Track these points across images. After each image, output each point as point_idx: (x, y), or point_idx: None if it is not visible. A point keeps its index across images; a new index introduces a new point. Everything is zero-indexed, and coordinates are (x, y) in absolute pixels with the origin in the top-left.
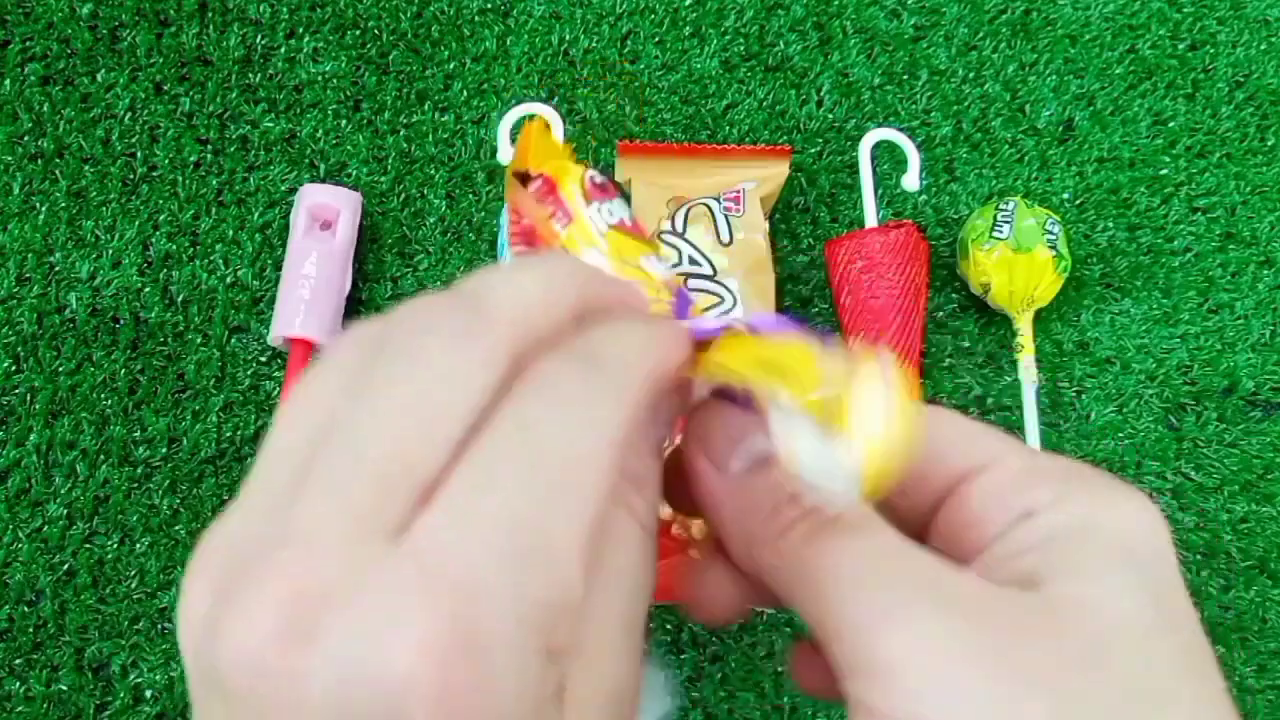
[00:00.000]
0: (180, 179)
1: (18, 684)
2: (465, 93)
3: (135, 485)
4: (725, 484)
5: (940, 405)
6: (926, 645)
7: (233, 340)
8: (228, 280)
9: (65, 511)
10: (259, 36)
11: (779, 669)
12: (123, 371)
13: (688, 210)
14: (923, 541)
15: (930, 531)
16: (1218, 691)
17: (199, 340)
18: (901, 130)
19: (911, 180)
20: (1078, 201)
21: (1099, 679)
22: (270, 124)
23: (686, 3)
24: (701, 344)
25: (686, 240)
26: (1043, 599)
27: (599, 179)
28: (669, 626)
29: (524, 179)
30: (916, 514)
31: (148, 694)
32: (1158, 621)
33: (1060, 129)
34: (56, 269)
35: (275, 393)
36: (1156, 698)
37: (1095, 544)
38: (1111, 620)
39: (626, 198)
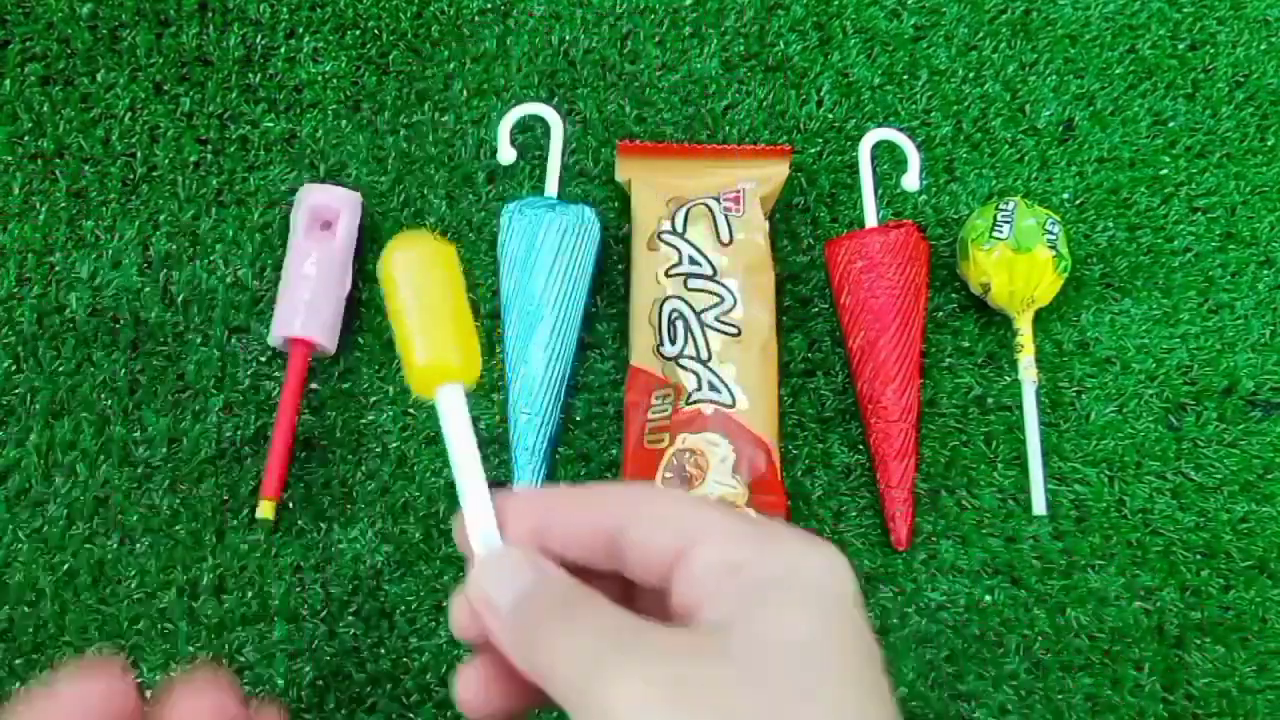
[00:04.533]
0: (180, 179)
1: (18, 684)
2: (465, 93)
3: (135, 485)
4: (498, 622)
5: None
6: (630, 691)
7: (233, 340)
8: (228, 280)
9: (65, 511)
10: (259, 36)
11: None
12: (123, 371)
13: (688, 210)
14: (665, 615)
15: (670, 603)
16: (873, 695)
17: (199, 340)
18: (901, 130)
19: (911, 180)
20: (1078, 201)
21: (761, 692)
22: (270, 124)
23: (686, 3)
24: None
25: (686, 240)
26: (728, 637)
27: None
28: None
29: None
30: (652, 589)
31: (148, 694)
32: (826, 644)
33: (1060, 129)
34: (56, 269)
35: (275, 393)
36: (811, 701)
37: (781, 589)
38: (781, 644)
39: (626, 199)
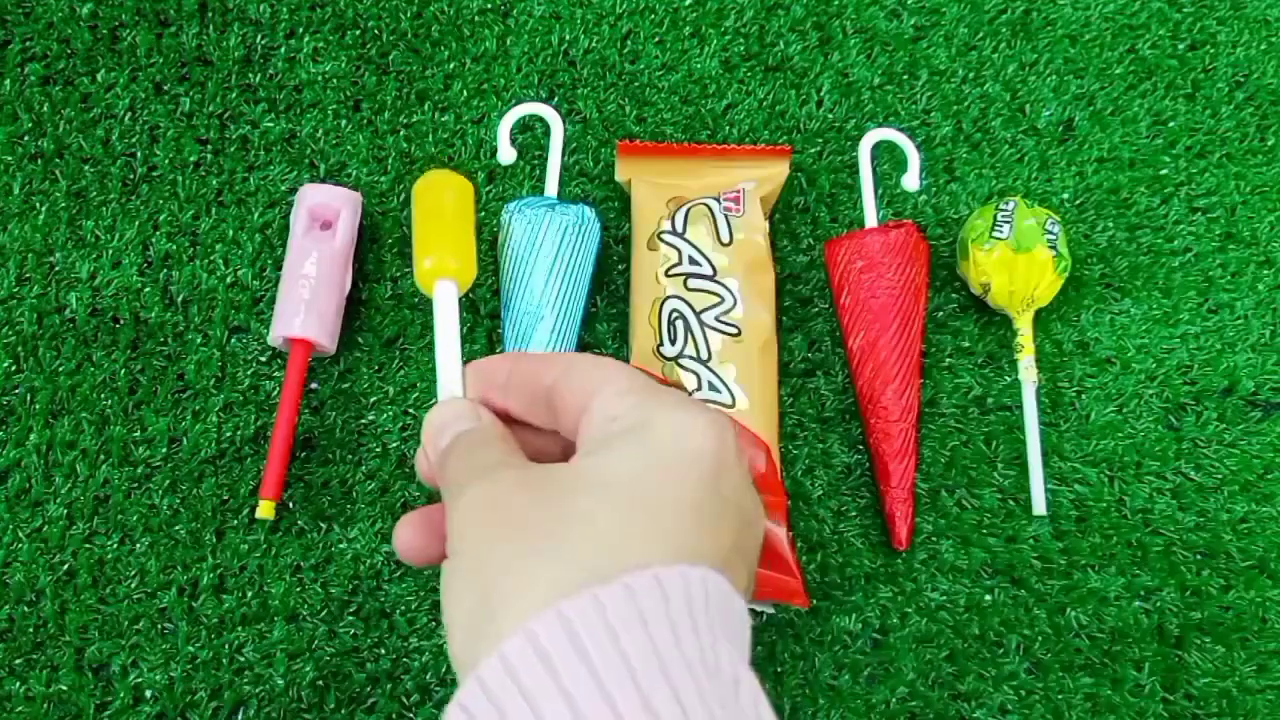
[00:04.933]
0: (180, 179)
1: (18, 684)
2: (465, 93)
3: (135, 485)
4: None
5: (943, 411)
6: (462, 505)
7: (233, 340)
8: (228, 280)
9: (65, 511)
10: (259, 36)
11: (779, 669)
12: (123, 371)
13: (688, 210)
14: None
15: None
16: (681, 539)
17: (199, 340)
18: (901, 130)
19: (911, 180)
20: (1078, 201)
21: (548, 512)
22: (270, 124)
23: (686, 3)
24: None
25: (686, 240)
26: (560, 471)
27: None
28: None
29: None
30: (571, 434)
31: (148, 694)
32: (642, 485)
33: (1060, 129)
34: (56, 269)
35: (275, 393)
36: (588, 523)
37: (630, 437)
38: (595, 480)
39: (626, 199)
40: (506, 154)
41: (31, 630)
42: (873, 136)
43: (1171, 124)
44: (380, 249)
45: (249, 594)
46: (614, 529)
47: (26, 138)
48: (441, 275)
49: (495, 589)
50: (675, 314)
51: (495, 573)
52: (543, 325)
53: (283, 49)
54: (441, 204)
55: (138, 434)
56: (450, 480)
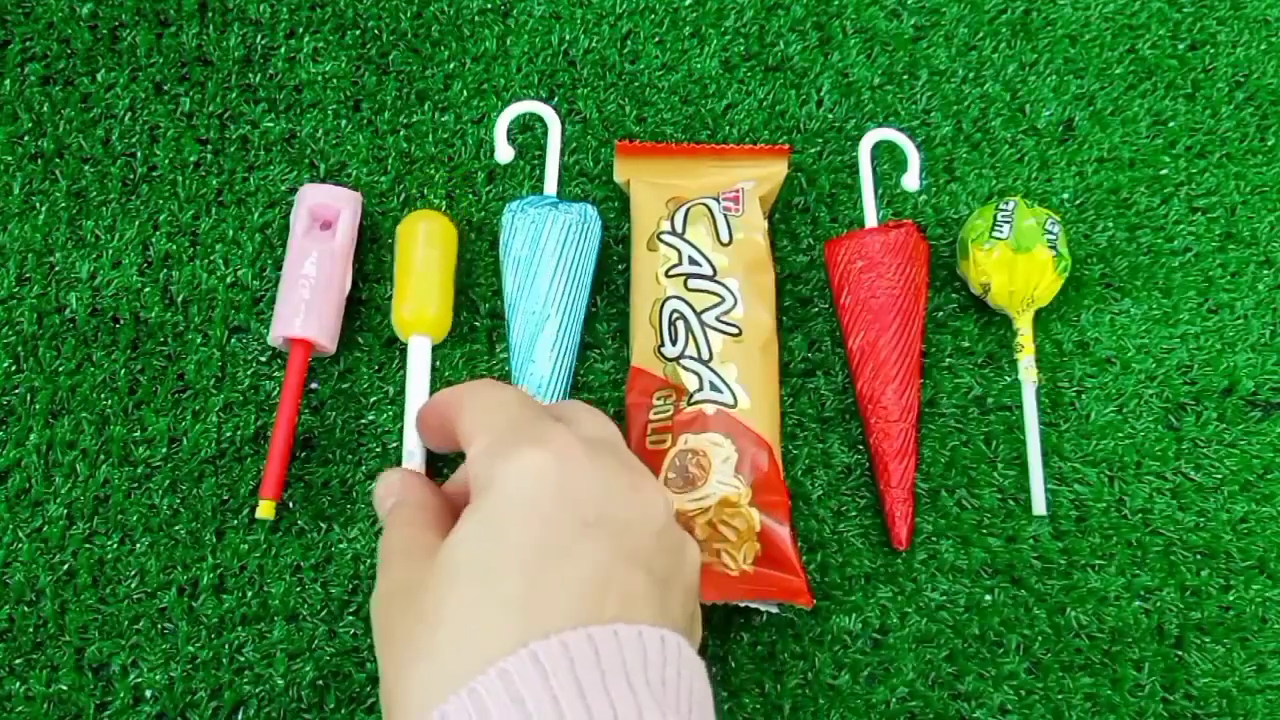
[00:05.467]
0: (180, 179)
1: (18, 684)
2: (465, 93)
3: (135, 485)
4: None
5: (943, 409)
6: (376, 609)
7: (233, 340)
8: (228, 280)
9: (65, 511)
10: (259, 36)
11: (779, 669)
12: (123, 371)
13: (687, 210)
14: None
15: None
16: (513, 603)
17: (199, 340)
18: (901, 130)
19: (911, 180)
20: (1078, 201)
21: (420, 619)
22: (270, 124)
23: (686, 3)
24: None
25: (686, 240)
26: (435, 557)
27: None
28: None
29: None
30: None
31: (148, 694)
32: (476, 558)
33: (1060, 129)
34: (56, 269)
35: (275, 393)
36: (446, 622)
37: (475, 504)
38: (443, 566)
39: (625, 200)
40: (504, 153)
41: (31, 630)
42: (873, 136)
43: (1171, 124)
44: (380, 249)
45: (249, 594)
46: (466, 623)
47: (26, 138)
48: (416, 331)
49: (390, 695)
50: (676, 314)
51: (389, 681)
52: (549, 325)
53: (283, 49)
54: (419, 253)
55: (138, 434)
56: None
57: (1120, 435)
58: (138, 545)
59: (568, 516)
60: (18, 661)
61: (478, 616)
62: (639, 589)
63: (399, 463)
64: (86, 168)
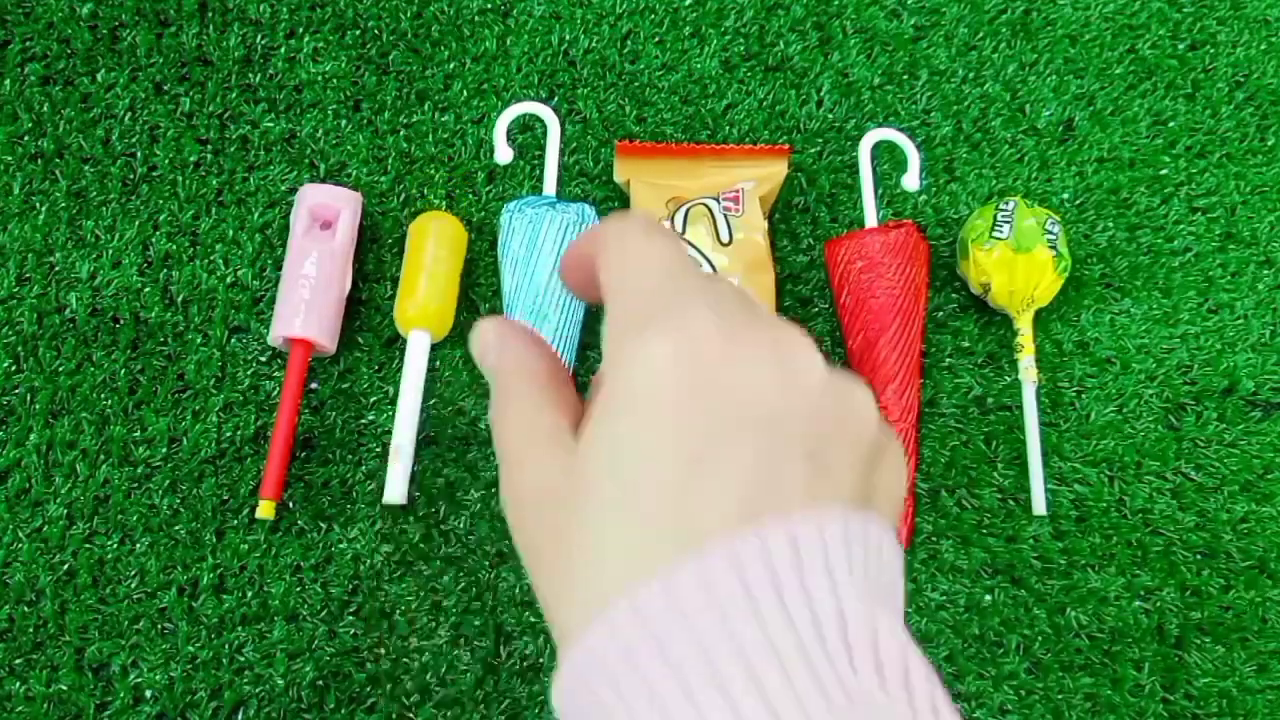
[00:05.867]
0: (180, 179)
1: (18, 684)
2: (465, 93)
3: (135, 485)
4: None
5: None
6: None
7: (233, 340)
8: (228, 280)
9: (65, 511)
10: (259, 36)
11: None
12: (123, 371)
13: (687, 210)
14: None
15: None
16: (652, 523)
17: (199, 340)
18: (901, 130)
19: (911, 180)
20: (1078, 201)
21: (559, 539)
22: (270, 124)
23: (686, 3)
24: None
25: (686, 240)
26: (567, 464)
27: None
28: None
29: None
30: None
31: (148, 694)
32: (608, 467)
33: (1060, 129)
34: (56, 269)
35: (275, 393)
36: (583, 549)
37: (599, 403)
38: (576, 477)
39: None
40: (503, 153)
41: (31, 630)
42: (873, 136)
43: (1171, 124)
44: (380, 249)
45: (249, 594)
46: (608, 550)
47: (26, 138)
48: (417, 326)
49: (548, 611)
50: None
51: (545, 599)
52: (547, 324)
53: (283, 49)
54: (429, 251)
55: (138, 434)
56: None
57: (1120, 435)
58: (138, 545)
59: (702, 414)
60: (18, 661)
61: (621, 541)
62: (799, 480)
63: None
64: (86, 168)
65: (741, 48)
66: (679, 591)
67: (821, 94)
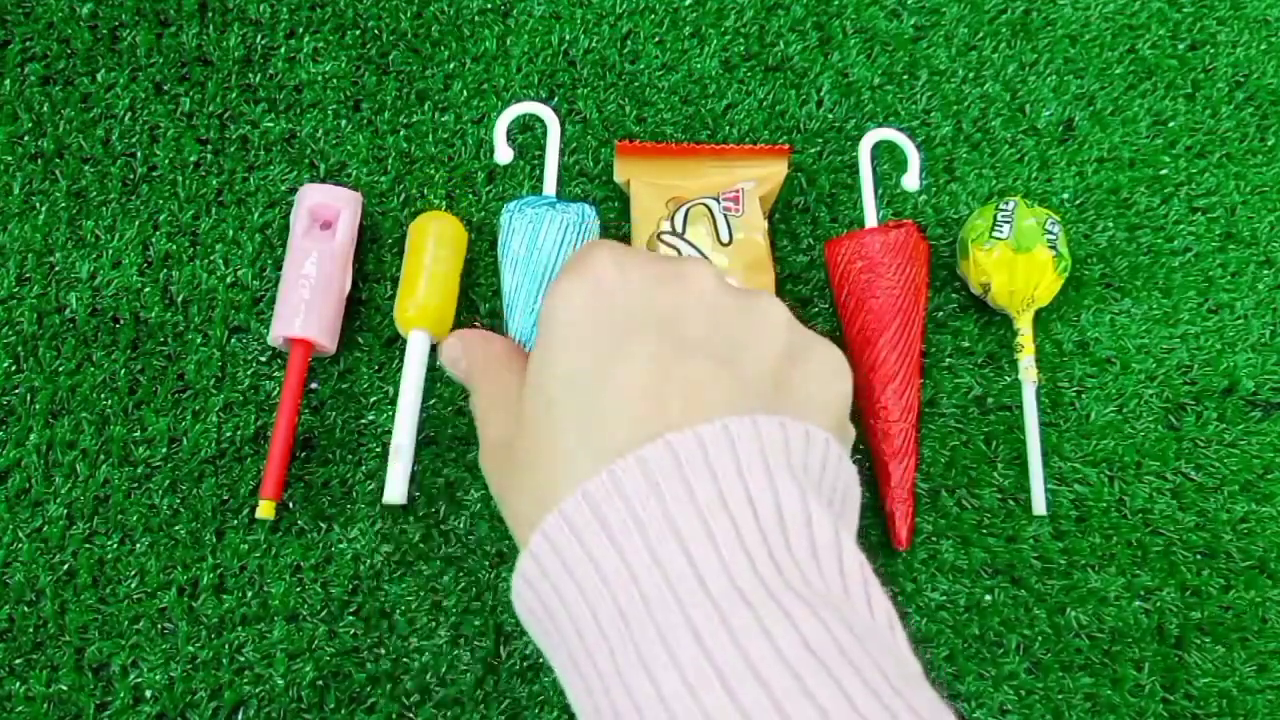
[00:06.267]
0: (180, 179)
1: (18, 684)
2: (465, 93)
3: (135, 485)
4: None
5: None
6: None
7: (233, 340)
8: (228, 280)
9: (65, 511)
10: (259, 36)
11: None
12: (123, 371)
13: (687, 210)
14: None
15: None
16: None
17: (199, 340)
18: (901, 130)
19: (911, 180)
20: (1078, 201)
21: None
22: (270, 124)
23: (686, 3)
24: None
25: (686, 240)
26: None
27: None
28: None
29: None
30: None
31: (148, 694)
32: (536, 388)
33: (1060, 129)
34: (56, 269)
35: (275, 393)
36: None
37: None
38: (523, 393)
39: (626, 201)
40: (503, 154)
41: (31, 630)
42: (873, 136)
43: (1171, 124)
44: (380, 249)
45: (249, 594)
46: (549, 461)
47: (26, 138)
48: (417, 326)
49: (514, 531)
50: None
51: (510, 523)
52: None
53: (283, 49)
54: (430, 251)
55: (138, 434)
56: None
57: (1120, 435)
58: (138, 545)
59: (604, 330)
60: (18, 661)
61: (555, 452)
62: (703, 378)
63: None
64: (86, 168)
65: (741, 48)
66: (620, 478)
67: (821, 94)
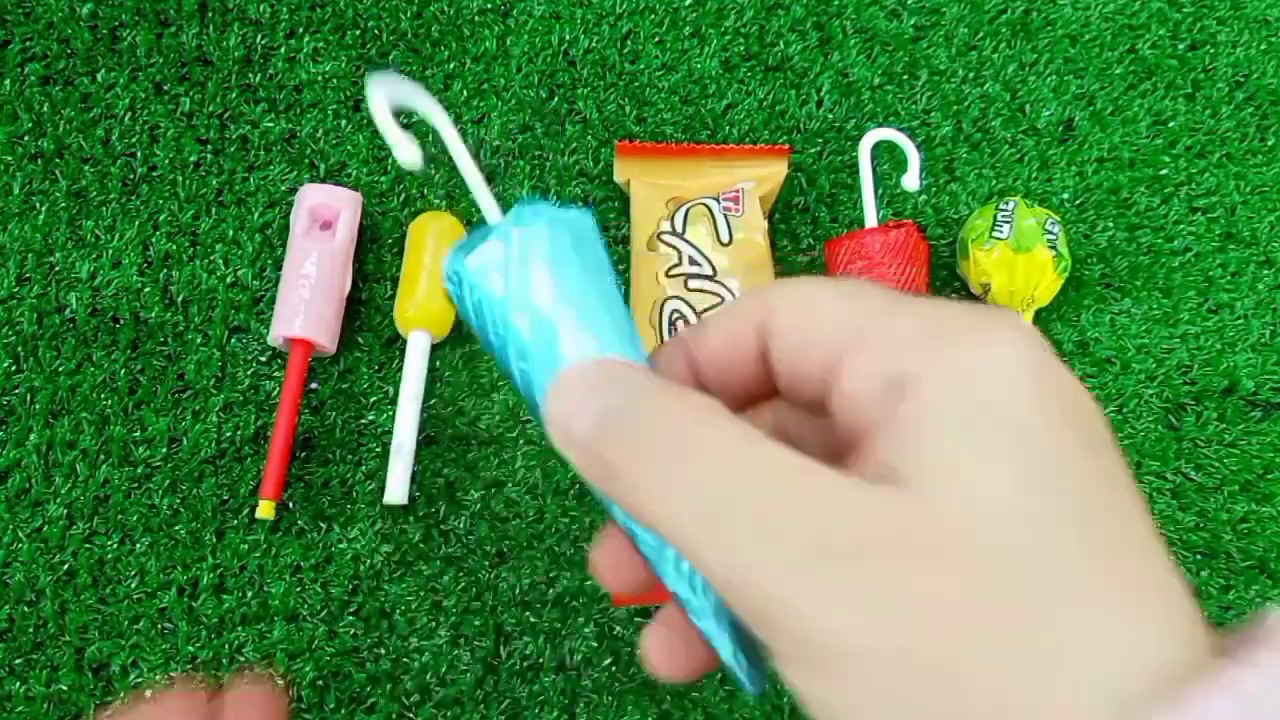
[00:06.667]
0: (180, 179)
1: (18, 684)
2: (465, 93)
3: (135, 485)
4: (577, 443)
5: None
6: (824, 596)
7: (233, 340)
8: (228, 280)
9: (65, 511)
10: (259, 36)
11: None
12: (123, 371)
13: (687, 210)
14: (829, 443)
15: (835, 431)
16: (1136, 556)
17: (199, 340)
18: (901, 130)
19: (911, 180)
20: (1078, 201)
21: (988, 593)
22: (270, 124)
23: (686, 3)
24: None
25: (686, 240)
26: (921, 502)
27: None
28: None
29: None
30: (814, 413)
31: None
32: (1042, 503)
33: (1060, 129)
34: (56, 269)
35: (275, 393)
36: (1060, 593)
37: (964, 419)
38: (989, 518)
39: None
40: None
41: (31, 630)
42: (873, 136)
43: (1171, 124)
44: (380, 249)
45: (249, 594)
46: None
47: (26, 138)
48: (418, 326)
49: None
50: (676, 315)
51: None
52: None
53: (283, 49)
54: (429, 252)
55: (138, 434)
56: (677, 513)
57: (1120, 435)
58: (138, 545)
59: (1083, 434)
60: (18, 661)
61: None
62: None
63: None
64: (86, 168)
65: (741, 48)
66: None
67: (821, 94)
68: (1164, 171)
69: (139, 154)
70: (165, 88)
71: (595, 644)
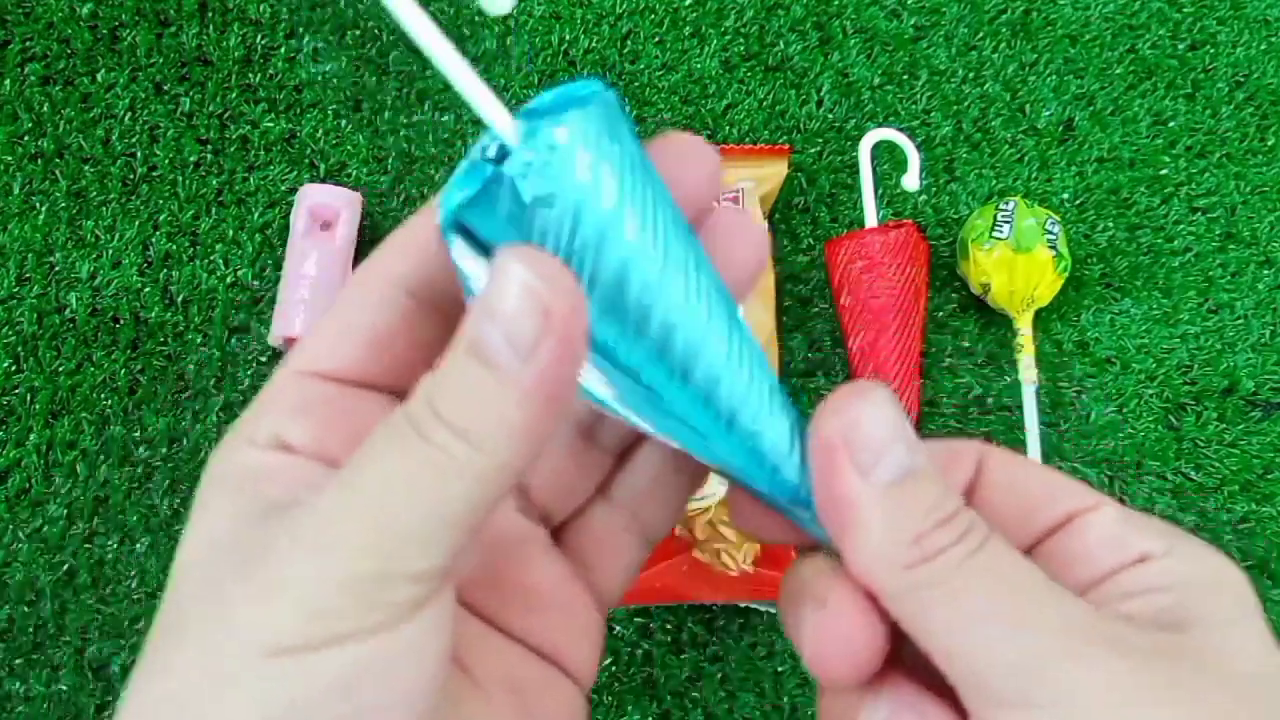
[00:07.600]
0: (180, 179)
1: (18, 684)
2: None
3: (135, 485)
4: (871, 493)
5: (941, 407)
6: (1105, 681)
7: (233, 340)
8: (228, 280)
9: (65, 511)
10: (259, 36)
11: (779, 669)
12: (123, 371)
13: None
14: None
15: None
16: None
17: (199, 340)
18: (901, 130)
19: (911, 180)
20: (1078, 201)
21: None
22: (270, 124)
23: (686, 3)
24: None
25: None
26: (1193, 643)
27: None
28: (669, 626)
29: None
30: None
31: None
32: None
33: (1060, 129)
34: (56, 269)
35: None
36: None
37: (1224, 595)
38: (1255, 665)
39: None
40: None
41: (31, 630)
42: (873, 136)
43: (1171, 124)
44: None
45: None
46: None
47: (26, 138)
48: None
49: None
50: None
51: None
52: None
53: (283, 49)
54: None
55: (138, 434)
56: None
57: (1120, 435)
58: (138, 545)
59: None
60: (18, 661)
61: None
62: None
63: None
64: (86, 168)
65: (741, 48)
66: None
67: (821, 94)
68: (1164, 171)
69: (139, 154)
70: (165, 88)
71: None
